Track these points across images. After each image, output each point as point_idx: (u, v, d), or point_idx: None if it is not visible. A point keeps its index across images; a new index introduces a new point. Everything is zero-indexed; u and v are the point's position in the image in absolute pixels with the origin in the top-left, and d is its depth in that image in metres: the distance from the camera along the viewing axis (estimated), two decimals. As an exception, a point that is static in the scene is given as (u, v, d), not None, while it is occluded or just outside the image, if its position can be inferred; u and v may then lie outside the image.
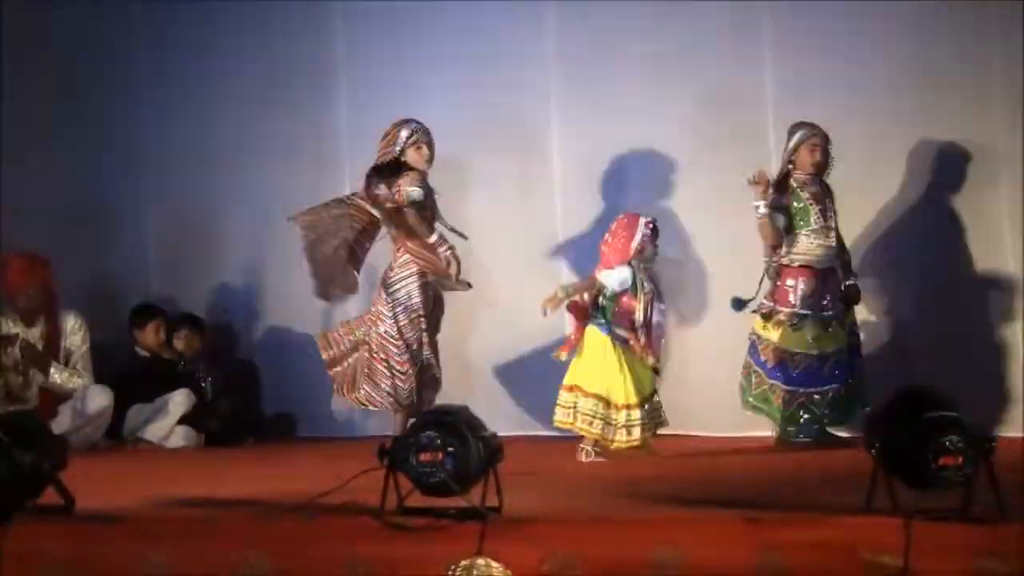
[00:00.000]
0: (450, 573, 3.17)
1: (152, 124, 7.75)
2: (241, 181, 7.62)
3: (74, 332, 6.75)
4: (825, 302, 5.89)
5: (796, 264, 5.90)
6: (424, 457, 3.34)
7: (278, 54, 7.57)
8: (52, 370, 6.61)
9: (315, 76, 7.55)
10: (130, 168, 7.76)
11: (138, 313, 7.34)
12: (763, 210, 5.85)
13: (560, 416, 5.53)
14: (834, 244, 5.92)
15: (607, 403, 5.45)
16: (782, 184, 5.94)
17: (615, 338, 5.49)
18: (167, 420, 6.92)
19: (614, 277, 5.51)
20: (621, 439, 5.45)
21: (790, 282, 5.90)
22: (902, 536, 3.08)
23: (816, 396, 5.85)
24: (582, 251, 6.59)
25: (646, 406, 5.50)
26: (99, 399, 6.68)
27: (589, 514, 3.71)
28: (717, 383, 6.34)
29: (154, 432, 6.89)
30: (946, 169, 6.35)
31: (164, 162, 7.77)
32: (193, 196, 7.74)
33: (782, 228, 5.92)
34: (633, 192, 6.78)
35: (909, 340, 6.38)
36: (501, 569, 3.18)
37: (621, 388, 5.46)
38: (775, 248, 5.93)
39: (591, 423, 5.45)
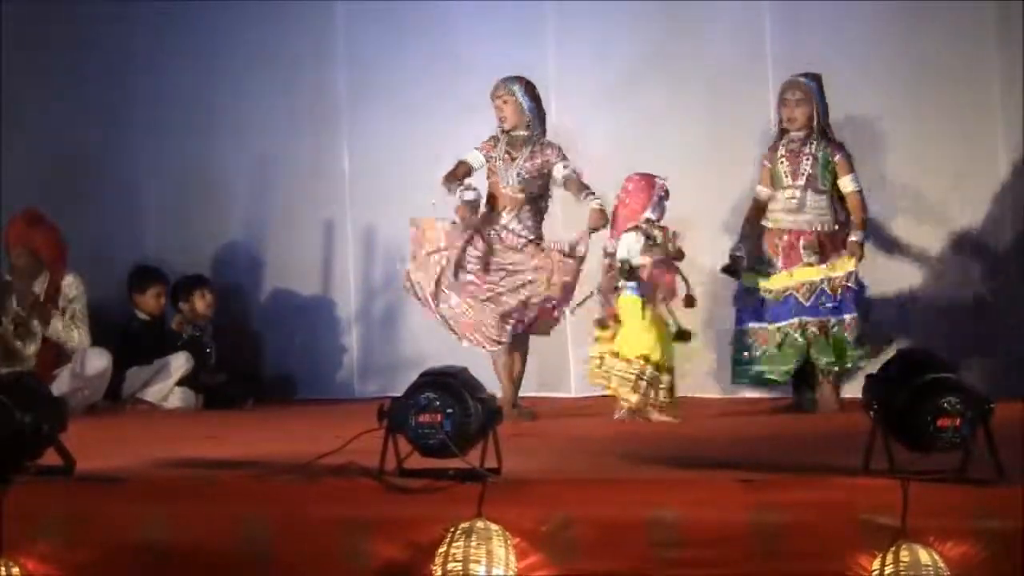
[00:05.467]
0: (449, 536, 3.19)
1: (150, 86, 7.71)
2: (239, 143, 7.59)
3: (72, 291, 6.74)
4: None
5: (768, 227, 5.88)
6: (423, 419, 3.34)
7: (277, 11, 7.52)
8: (54, 319, 6.62)
9: (314, 34, 7.51)
10: (126, 130, 7.71)
11: (138, 277, 7.31)
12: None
13: (595, 378, 5.50)
14: (806, 204, 5.80)
15: (648, 362, 5.35)
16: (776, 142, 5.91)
17: (647, 300, 5.40)
18: (167, 382, 6.93)
19: (623, 247, 5.42)
20: (665, 400, 5.38)
21: (765, 245, 5.87)
22: (899, 497, 3.10)
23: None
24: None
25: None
26: (98, 361, 6.68)
27: (587, 475, 3.72)
28: (713, 344, 6.35)
29: (154, 394, 6.90)
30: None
31: (161, 124, 7.70)
32: (191, 158, 7.70)
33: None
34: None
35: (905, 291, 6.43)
36: (500, 531, 3.20)
37: (659, 350, 5.38)
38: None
39: (632, 386, 5.34)
